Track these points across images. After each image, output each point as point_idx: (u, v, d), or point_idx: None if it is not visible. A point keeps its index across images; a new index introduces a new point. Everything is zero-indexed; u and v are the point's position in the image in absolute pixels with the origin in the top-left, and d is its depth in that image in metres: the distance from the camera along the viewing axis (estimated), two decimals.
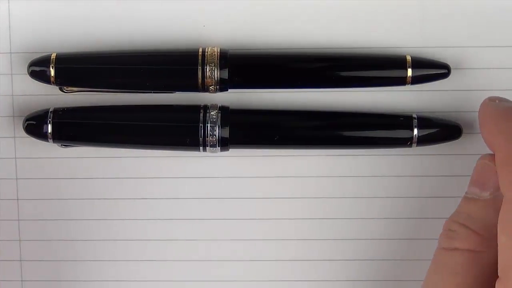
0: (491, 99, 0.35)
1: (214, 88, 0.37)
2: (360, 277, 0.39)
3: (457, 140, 0.38)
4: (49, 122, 0.37)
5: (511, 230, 0.31)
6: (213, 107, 0.37)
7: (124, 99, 0.38)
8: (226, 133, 0.37)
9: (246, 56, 0.37)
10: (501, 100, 0.35)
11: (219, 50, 0.37)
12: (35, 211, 0.39)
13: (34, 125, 0.37)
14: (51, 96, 0.38)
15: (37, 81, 0.37)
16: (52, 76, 0.37)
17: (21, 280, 0.39)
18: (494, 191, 0.34)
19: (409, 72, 0.37)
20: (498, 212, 0.32)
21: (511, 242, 0.31)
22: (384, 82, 0.37)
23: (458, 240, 0.34)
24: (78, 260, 0.39)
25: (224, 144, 0.37)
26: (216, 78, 0.37)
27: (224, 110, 0.37)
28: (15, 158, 0.39)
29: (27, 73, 0.37)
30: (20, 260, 0.39)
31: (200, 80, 0.36)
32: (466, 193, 0.35)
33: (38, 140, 0.37)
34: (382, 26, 0.38)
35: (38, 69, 0.37)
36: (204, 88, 0.37)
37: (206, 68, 0.36)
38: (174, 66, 0.37)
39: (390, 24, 0.38)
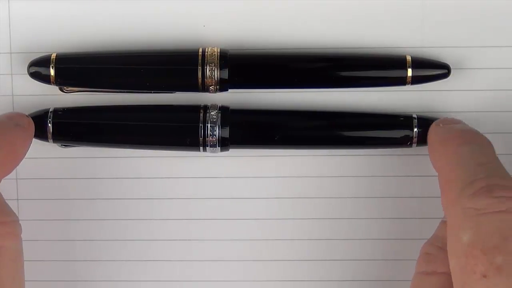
0: (437, 123, 0.36)
1: (214, 88, 0.37)
2: (360, 277, 0.39)
3: None
4: (49, 122, 0.37)
5: (454, 253, 0.31)
6: (213, 107, 0.37)
7: (124, 99, 0.38)
8: (226, 133, 0.37)
9: (246, 56, 0.37)
10: (446, 123, 0.36)
11: (219, 50, 0.37)
12: (35, 211, 0.39)
13: (34, 125, 0.37)
14: (51, 96, 0.38)
15: (37, 81, 0.37)
16: (52, 76, 0.37)
17: None
18: None
19: (409, 72, 0.37)
20: None
21: (457, 266, 0.30)
22: (384, 82, 0.37)
23: (437, 264, 0.33)
24: (78, 260, 0.39)
25: (224, 144, 0.37)
26: (216, 78, 0.37)
27: (224, 110, 0.37)
28: None
29: (27, 73, 0.37)
30: None
31: (200, 80, 0.36)
32: (443, 217, 0.35)
33: (38, 140, 0.37)
34: (382, 26, 0.38)
35: (38, 69, 0.37)
36: (204, 88, 0.37)
37: (206, 68, 0.36)
38: (174, 66, 0.37)
39: (390, 24, 0.38)
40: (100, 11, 0.38)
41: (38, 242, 0.39)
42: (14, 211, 0.34)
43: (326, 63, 0.37)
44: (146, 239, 0.39)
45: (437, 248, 0.34)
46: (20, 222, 0.34)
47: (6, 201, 0.34)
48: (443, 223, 0.35)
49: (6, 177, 0.38)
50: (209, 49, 0.37)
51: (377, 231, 0.39)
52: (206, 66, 0.36)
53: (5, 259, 0.33)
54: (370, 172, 0.39)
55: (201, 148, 0.37)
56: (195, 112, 0.37)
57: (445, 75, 0.37)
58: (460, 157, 0.33)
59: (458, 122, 0.36)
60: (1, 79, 0.38)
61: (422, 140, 0.37)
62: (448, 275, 0.33)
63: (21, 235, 0.34)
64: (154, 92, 0.38)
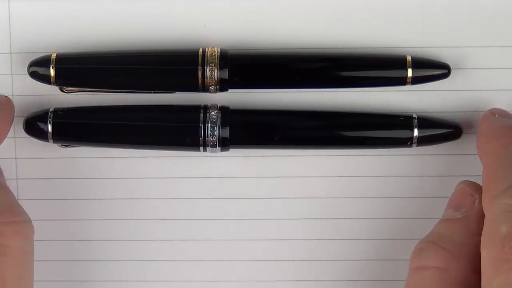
0: (492, 112, 0.36)
1: (214, 88, 0.37)
2: (360, 277, 0.39)
3: (457, 140, 0.38)
4: (49, 122, 0.37)
5: (489, 244, 0.31)
6: (213, 107, 0.37)
7: (124, 99, 0.38)
8: (226, 133, 0.37)
9: (246, 56, 0.37)
10: (502, 114, 0.36)
11: (219, 50, 0.37)
12: (35, 211, 0.39)
13: (34, 125, 0.37)
14: (51, 96, 0.38)
15: (37, 81, 0.37)
16: (52, 76, 0.37)
17: None
18: (465, 211, 0.35)
19: (409, 72, 0.37)
20: (468, 230, 0.34)
21: (490, 255, 0.31)
22: (384, 82, 0.37)
23: (427, 258, 0.34)
24: (78, 260, 0.39)
25: (224, 144, 0.37)
26: (216, 78, 0.37)
27: (224, 110, 0.37)
28: (15, 158, 0.39)
29: (27, 73, 0.37)
30: None
31: (200, 80, 0.36)
32: (442, 216, 0.36)
33: (38, 140, 0.37)
34: (382, 26, 0.38)
35: (38, 69, 0.37)
36: (204, 88, 0.37)
37: (206, 68, 0.36)
38: (174, 66, 0.37)
39: (390, 24, 0.38)
40: (100, 11, 0.38)
41: (38, 242, 0.39)
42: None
43: (326, 63, 0.37)
44: (146, 239, 0.39)
45: (429, 242, 0.35)
46: None
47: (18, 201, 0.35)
48: (443, 221, 0.36)
49: (6, 177, 0.38)
50: (209, 49, 0.37)
51: (378, 231, 0.39)
52: (206, 66, 0.36)
53: (11, 259, 0.33)
54: (370, 172, 0.39)
55: (201, 148, 0.37)
56: (195, 112, 0.37)
57: (445, 75, 0.37)
58: (509, 157, 0.33)
59: (511, 116, 0.37)
60: (1, 79, 0.38)
61: (422, 140, 0.37)
62: (438, 269, 0.33)
63: (33, 236, 0.34)
64: (154, 92, 0.38)
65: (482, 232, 0.32)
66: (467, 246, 0.34)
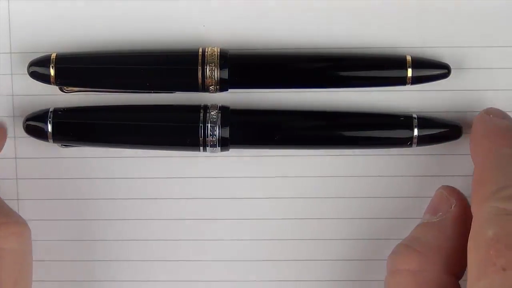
0: (487, 112, 0.36)
1: (214, 88, 0.37)
2: (360, 277, 0.39)
3: (457, 140, 0.38)
4: (49, 122, 0.37)
5: (476, 246, 0.31)
6: (213, 107, 0.37)
7: (124, 99, 0.38)
8: (226, 133, 0.37)
9: (246, 56, 0.37)
10: (497, 114, 0.36)
11: (219, 50, 0.37)
12: (35, 211, 0.39)
13: (34, 125, 0.37)
14: (51, 96, 0.38)
15: (37, 81, 0.37)
16: (52, 76, 0.37)
17: None
18: (441, 215, 0.35)
19: (409, 72, 0.37)
20: (443, 233, 0.34)
21: (476, 258, 0.31)
22: (384, 82, 0.37)
23: (400, 261, 0.34)
24: (78, 260, 0.39)
25: (224, 144, 0.37)
26: (216, 78, 0.37)
27: (224, 110, 0.37)
28: (15, 158, 0.39)
29: (27, 73, 0.37)
30: None
31: (200, 80, 0.36)
32: (423, 219, 0.36)
33: (38, 140, 0.37)
34: (382, 26, 0.38)
35: (38, 69, 0.37)
36: (204, 88, 0.37)
37: (206, 68, 0.36)
38: (174, 66, 0.37)
39: (390, 24, 0.38)
40: (100, 11, 0.38)
41: (37, 242, 0.39)
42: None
43: (326, 63, 0.37)
44: (146, 239, 0.39)
45: (402, 246, 0.35)
46: None
47: (6, 203, 0.34)
48: (419, 225, 0.36)
49: (6, 177, 0.38)
50: (209, 49, 0.37)
51: (378, 231, 0.39)
52: (206, 66, 0.36)
53: (6, 262, 0.33)
54: (370, 172, 0.39)
55: (201, 148, 0.37)
56: (195, 112, 0.37)
57: (445, 75, 0.37)
58: (500, 159, 0.33)
59: (507, 117, 0.36)
60: (1, 79, 0.38)
61: (422, 140, 0.37)
62: (411, 272, 0.34)
63: (30, 237, 0.34)
64: (154, 92, 0.38)
65: (469, 235, 0.32)
66: (442, 249, 0.34)
